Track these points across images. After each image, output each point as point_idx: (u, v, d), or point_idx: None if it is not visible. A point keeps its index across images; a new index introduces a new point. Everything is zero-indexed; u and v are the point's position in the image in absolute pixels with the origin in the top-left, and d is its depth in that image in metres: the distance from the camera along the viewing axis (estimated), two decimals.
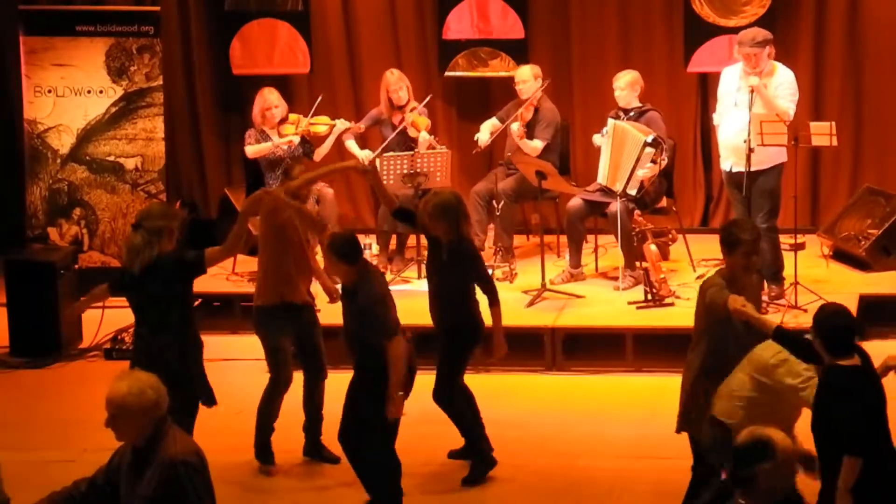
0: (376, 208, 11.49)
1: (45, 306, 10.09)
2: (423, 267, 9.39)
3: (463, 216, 7.99)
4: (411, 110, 11.01)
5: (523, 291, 10.27)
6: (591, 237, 10.96)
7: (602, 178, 10.58)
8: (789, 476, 5.16)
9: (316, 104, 10.93)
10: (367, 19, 12.08)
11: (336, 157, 11.62)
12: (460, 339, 8.03)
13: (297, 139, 10.81)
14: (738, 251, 6.87)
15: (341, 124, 11.07)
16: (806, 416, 6.40)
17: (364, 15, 12.08)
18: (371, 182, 9.23)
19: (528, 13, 11.85)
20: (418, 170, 10.55)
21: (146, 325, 7.32)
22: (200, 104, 12.28)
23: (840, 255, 10.83)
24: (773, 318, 9.46)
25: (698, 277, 10.02)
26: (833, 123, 9.82)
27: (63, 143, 11.44)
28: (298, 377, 8.32)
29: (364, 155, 10.98)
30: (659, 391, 8.82)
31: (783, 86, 9.78)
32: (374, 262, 9.71)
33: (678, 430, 7.12)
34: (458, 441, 8.20)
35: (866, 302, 9.81)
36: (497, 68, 11.88)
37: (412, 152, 10.70)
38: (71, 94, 11.40)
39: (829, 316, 6.08)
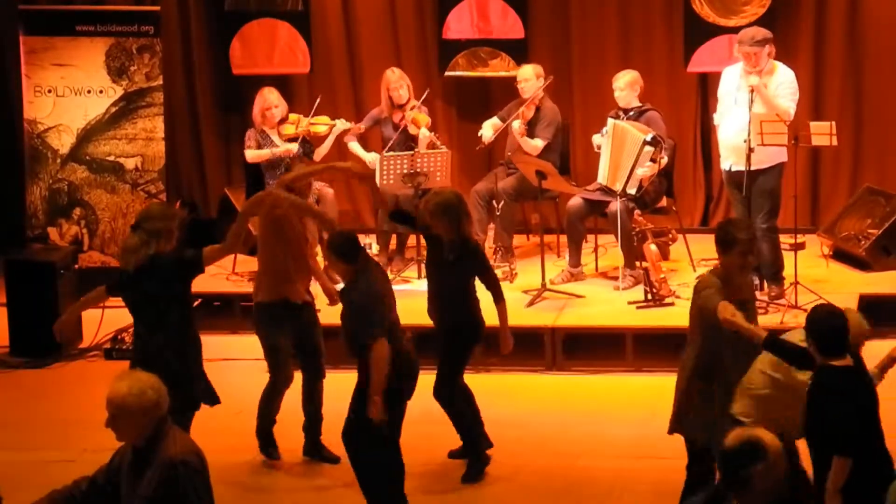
0: (376, 208, 11.49)
1: (45, 306, 10.08)
2: (423, 267, 9.39)
3: (464, 215, 7.99)
4: (412, 108, 11.01)
5: (523, 291, 10.28)
6: (591, 237, 10.96)
7: (602, 177, 10.58)
8: (780, 475, 5.16)
9: (315, 105, 10.93)
10: (367, 19, 12.09)
11: (336, 158, 11.61)
12: (461, 339, 8.04)
13: (295, 147, 10.79)
14: (735, 250, 6.83)
15: (341, 124, 11.07)
16: None
17: (364, 15, 12.09)
18: (367, 187, 9.22)
19: (528, 13, 11.85)
20: (418, 170, 10.55)
21: (143, 325, 7.31)
22: (200, 104, 12.29)
23: (840, 255, 10.83)
24: (773, 318, 9.52)
25: (698, 277, 9.99)
26: (833, 123, 9.82)
27: (63, 142, 11.44)
28: (298, 377, 8.32)
29: (371, 158, 10.97)
30: (659, 391, 8.78)
31: (783, 85, 9.78)
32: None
33: (670, 432, 7.10)
34: (458, 441, 8.20)
35: (866, 302, 9.79)
36: (497, 68, 11.88)
37: (412, 152, 10.71)
38: (71, 93, 11.40)
39: (822, 317, 6.14)
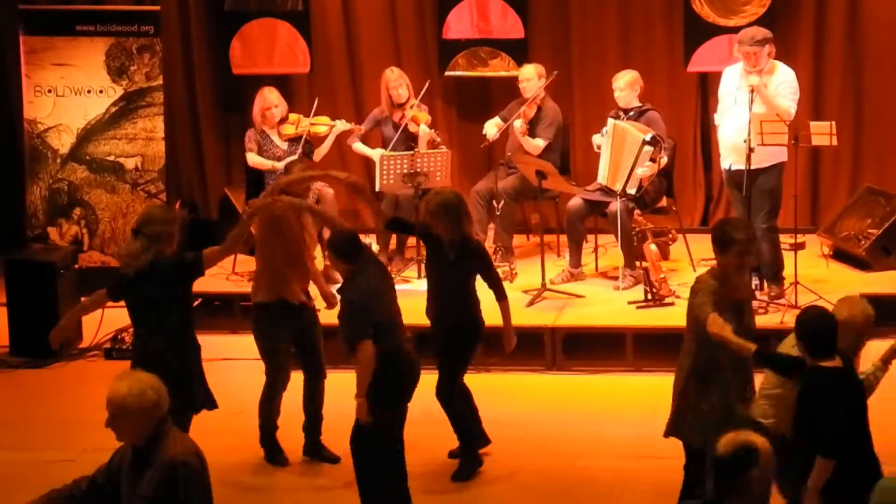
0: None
1: (45, 306, 10.08)
2: (423, 267, 9.39)
3: (465, 215, 7.98)
4: (411, 107, 11.02)
5: (523, 291, 10.27)
6: (591, 237, 10.96)
7: (602, 177, 10.58)
8: (770, 476, 5.18)
9: (314, 107, 10.92)
10: (367, 19, 12.09)
11: (336, 158, 11.64)
12: (461, 339, 8.03)
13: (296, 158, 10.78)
14: (732, 250, 6.78)
15: (341, 125, 11.07)
16: None
17: (364, 15, 12.09)
18: (363, 200, 9.20)
19: (528, 13, 11.85)
20: (418, 169, 10.55)
21: (143, 328, 7.30)
22: (200, 104, 12.28)
23: (840, 255, 10.83)
24: (773, 318, 9.52)
25: (697, 278, 10.01)
26: (833, 123, 9.81)
27: (63, 142, 11.44)
28: (298, 377, 8.31)
29: (376, 154, 10.95)
30: (659, 391, 8.77)
31: (784, 84, 9.78)
32: None
33: (666, 435, 7.08)
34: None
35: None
36: (497, 68, 11.89)
37: (412, 152, 10.70)
38: (71, 93, 11.40)
39: (811, 318, 6.18)
